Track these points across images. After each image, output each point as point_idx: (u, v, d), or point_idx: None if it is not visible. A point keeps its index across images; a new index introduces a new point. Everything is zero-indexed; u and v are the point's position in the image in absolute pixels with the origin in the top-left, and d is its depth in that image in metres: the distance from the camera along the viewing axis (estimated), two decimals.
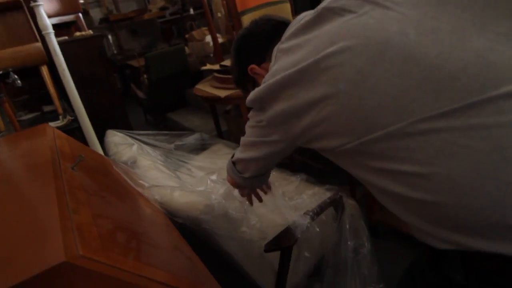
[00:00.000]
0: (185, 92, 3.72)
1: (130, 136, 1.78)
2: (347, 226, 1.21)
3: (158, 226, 0.83)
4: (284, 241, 1.08)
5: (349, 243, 1.19)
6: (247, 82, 0.88)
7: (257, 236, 1.03)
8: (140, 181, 1.09)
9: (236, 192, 1.00)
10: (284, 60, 0.64)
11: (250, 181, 0.92)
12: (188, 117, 3.45)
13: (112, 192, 0.83)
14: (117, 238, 0.55)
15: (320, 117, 0.60)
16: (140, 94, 3.82)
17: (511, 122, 0.46)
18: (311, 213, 1.17)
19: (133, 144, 1.54)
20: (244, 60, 0.84)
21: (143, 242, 0.61)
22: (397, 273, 1.50)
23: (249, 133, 0.79)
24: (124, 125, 2.03)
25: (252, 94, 0.70)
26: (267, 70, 0.69)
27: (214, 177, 1.03)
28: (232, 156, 0.94)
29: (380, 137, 0.54)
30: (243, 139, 0.83)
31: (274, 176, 1.66)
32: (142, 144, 1.63)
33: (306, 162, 2.48)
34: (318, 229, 1.23)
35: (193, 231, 1.00)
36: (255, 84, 0.85)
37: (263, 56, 0.80)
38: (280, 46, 0.67)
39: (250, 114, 0.77)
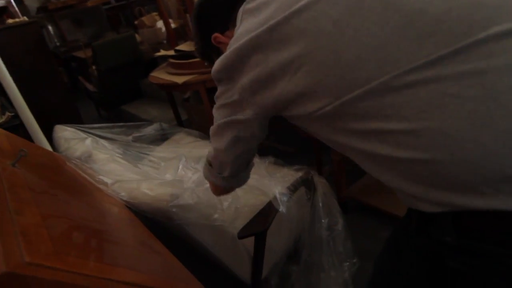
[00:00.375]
0: (139, 83, 3.53)
1: (82, 131, 1.64)
2: (320, 205, 1.20)
3: (121, 222, 0.76)
4: (257, 226, 1.05)
5: (323, 221, 1.18)
6: (211, 52, 0.81)
7: (230, 221, 0.98)
8: (100, 178, 0.99)
9: None
10: (250, 21, 0.58)
11: (231, 181, 0.82)
12: (145, 109, 3.28)
13: (66, 190, 0.74)
14: (73, 239, 0.47)
15: (295, 80, 0.54)
16: (90, 87, 3.57)
17: (505, 65, 0.43)
18: (287, 191, 1.14)
19: (86, 138, 1.41)
20: (205, 28, 0.77)
21: (105, 241, 0.54)
22: (369, 247, 1.53)
23: (219, 116, 0.70)
24: (75, 121, 1.87)
25: (217, 64, 0.63)
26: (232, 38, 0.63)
27: (183, 161, 0.95)
28: (208, 156, 0.84)
29: (362, 95, 0.50)
30: (212, 128, 0.74)
31: None
32: (96, 138, 1.50)
33: (271, 146, 2.46)
34: (293, 209, 1.20)
35: (164, 226, 0.93)
36: (220, 54, 0.79)
37: (227, 23, 0.74)
38: (245, 6, 0.60)
39: (218, 93, 0.69)
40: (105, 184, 0.94)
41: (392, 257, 0.65)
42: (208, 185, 0.88)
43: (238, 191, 1.04)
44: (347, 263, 1.21)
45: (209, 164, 0.82)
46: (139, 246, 0.66)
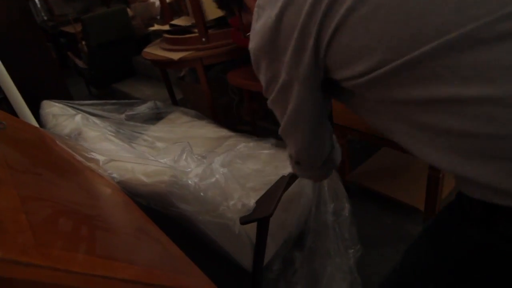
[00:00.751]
0: (132, 60, 3.39)
1: (71, 107, 1.54)
2: (326, 189, 1.13)
3: (115, 205, 0.68)
4: (261, 212, 0.98)
5: (328, 205, 1.11)
6: (232, 1, 0.72)
7: (236, 219, 0.91)
8: (92, 155, 0.91)
9: (215, 165, 0.87)
10: None
11: (328, 166, 0.80)
12: (138, 87, 3.16)
13: (53, 169, 0.65)
14: (59, 226, 0.39)
15: (346, 29, 0.44)
16: (80, 63, 3.42)
17: None
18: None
19: (76, 114, 1.31)
20: None
21: (97, 228, 0.46)
22: (371, 233, 1.48)
23: (281, 111, 0.64)
24: (64, 98, 1.76)
25: (258, 37, 0.54)
26: None
27: (188, 150, 0.86)
28: (291, 157, 0.79)
29: (433, 51, 0.39)
30: (282, 129, 0.69)
31: (243, 145, 1.53)
32: (87, 115, 1.40)
33: (268, 128, 2.38)
34: (297, 194, 1.14)
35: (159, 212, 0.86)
36: (243, 7, 0.70)
37: None
38: None
39: (265, 81, 0.62)
40: (97, 162, 0.86)
41: (437, 248, 0.56)
42: (213, 179, 0.80)
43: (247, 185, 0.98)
44: (352, 250, 1.16)
45: (297, 163, 0.78)
46: (136, 233, 0.58)
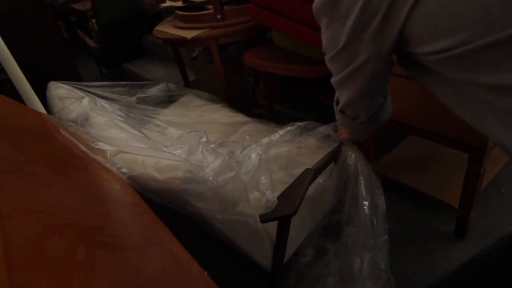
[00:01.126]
0: (143, 39, 3.27)
1: (79, 89, 1.45)
2: (361, 179, 1.03)
3: (123, 209, 0.59)
4: (283, 209, 0.89)
5: (365, 202, 1.02)
6: None
7: (256, 216, 0.82)
8: (98, 145, 0.82)
9: (234, 161, 0.78)
10: None
11: (371, 123, 0.84)
12: (149, 68, 3.05)
13: (50, 165, 0.57)
14: (48, 250, 0.31)
15: (422, 9, 0.41)
16: (90, 42, 3.32)
17: None
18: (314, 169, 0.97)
19: (84, 97, 1.22)
20: None
21: (98, 247, 0.38)
22: (398, 229, 1.38)
23: (336, 67, 0.67)
24: (73, 79, 1.67)
25: None
26: None
27: (203, 142, 0.77)
28: (337, 104, 0.86)
29: None
30: (334, 81, 0.73)
31: (260, 130, 1.43)
32: (95, 98, 1.31)
33: (285, 112, 2.26)
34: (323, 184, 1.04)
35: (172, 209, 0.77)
36: None
37: None
38: None
39: (325, 40, 0.64)
40: (104, 154, 0.77)
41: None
42: (233, 173, 0.71)
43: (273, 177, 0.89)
44: (384, 246, 1.07)
45: (342, 112, 0.84)
46: (147, 245, 0.50)
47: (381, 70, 0.61)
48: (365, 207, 1.04)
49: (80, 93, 1.39)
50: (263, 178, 0.86)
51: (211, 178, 0.71)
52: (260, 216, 0.86)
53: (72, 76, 2.09)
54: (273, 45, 1.77)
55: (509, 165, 1.50)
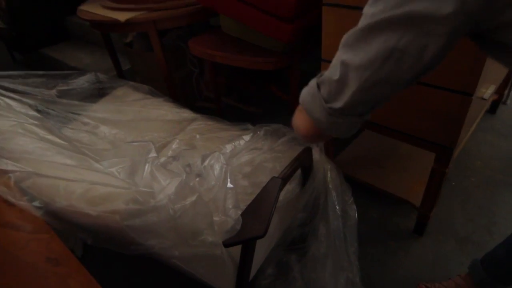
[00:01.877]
0: (65, 20, 2.84)
1: None
2: (330, 186, 0.93)
3: (32, 277, 0.40)
4: (252, 230, 0.75)
5: (337, 207, 0.92)
6: None
7: (221, 237, 0.67)
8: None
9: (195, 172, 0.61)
10: None
11: (338, 120, 0.53)
12: (73, 53, 2.66)
13: None
14: None
15: None
16: None
17: None
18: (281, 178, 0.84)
19: None
20: None
21: None
22: (359, 229, 1.33)
23: (376, 9, 0.42)
24: None
25: None
26: None
27: (152, 154, 0.58)
28: (319, 76, 0.56)
29: None
30: (356, 32, 0.46)
31: (211, 128, 1.26)
32: None
33: (234, 105, 2.11)
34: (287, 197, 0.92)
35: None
36: None
37: None
38: None
39: None
40: (7, 180, 0.55)
41: None
42: (194, 197, 0.54)
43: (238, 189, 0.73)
44: (355, 258, 0.99)
45: (317, 86, 0.55)
46: None
47: (433, 51, 0.41)
48: (336, 219, 0.95)
49: None
50: (229, 194, 0.70)
51: (166, 206, 0.54)
52: (224, 241, 0.71)
53: None
54: (221, 32, 1.59)
55: (457, 159, 1.54)
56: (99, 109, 1.40)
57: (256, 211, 0.80)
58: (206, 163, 0.71)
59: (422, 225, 1.24)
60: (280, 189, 0.84)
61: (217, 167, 0.71)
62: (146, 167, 0.56)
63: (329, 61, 1.12)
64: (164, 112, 1.39)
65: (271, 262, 1.07)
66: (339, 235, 0.99)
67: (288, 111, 1.57)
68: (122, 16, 1.57)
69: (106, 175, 0.57)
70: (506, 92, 1.79)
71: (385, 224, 1.34)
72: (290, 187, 0.95)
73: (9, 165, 0.60)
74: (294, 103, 1.51)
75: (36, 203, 0.52)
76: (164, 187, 0.54)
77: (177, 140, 1.25)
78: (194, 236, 0.60)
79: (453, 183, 1.47)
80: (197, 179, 0.65)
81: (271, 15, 1.18)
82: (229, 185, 0.71)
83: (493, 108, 1.81)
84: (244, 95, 2.20)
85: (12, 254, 0.42)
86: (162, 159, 0.65)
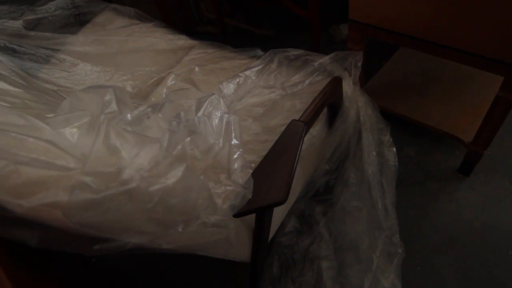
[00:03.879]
0: None
1: None
2: (368, 130, 0.72)
3: None
4: (265, 194, 0.57)
5: (373, 152, 0.72)
6: None
7: (228, 211, 0.49)
8: None
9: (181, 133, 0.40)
10: None
11: None
12: None
13: None
14: None
15: None
16: None
17: None
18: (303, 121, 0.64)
19: None
20: None
21: None
22: (400, 170, 1.14)
23: None
24: None
25: None
26: None
27: (112, 106, 0.38)
28: None
29: None
30: None
31: (213, 57, 1.02)
32: None
33: (240, 27, 1.80)
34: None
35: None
36: None
37: None
38: None
39: None
40: None
41: None
42: (181, 171, 0.35)
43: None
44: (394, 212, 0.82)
45: None
46: None
47: None
48: (371, 166, 0.75)
49: None
50: (235, 155, 0.51)
51: (136, 189, 0.35)
52: (234, 214, 0.53)
53: None
54: None
55: None
56: (77, 41, 1.16)
57: (273, 168, 0.61)
58: (200, 112, 0.51)
59: (471, 164, 1.04)
60: (303, 136, 0.64)
61: (216, 117, 0.51)
62: (101, 130, 0.36)
63: None
64: (156, 40, 1.14)
65: (291, 215, 0.92)
66: (375, 184, 0.82)
67: (307, 30, 1.27)
68: None
69: (49, 144, 0.37)
70: None
71: (424, 163, 1.14)
72: (315, 130, 0.75)
73: None
74: (314, 20, 1.22)
75: None
76: (131, 160, 0.35)
77: (173, 75, 1.03)
78: (189, 221, 0.42)
79: None
80: (188, 138, 0.45)
81: None
82: (234, 141, 0.51)
83: None
84: (252, 15, 1.88)
85: None
86: (137, 110, 0.45)
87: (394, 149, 0.83)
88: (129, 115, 0.42)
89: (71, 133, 0.42)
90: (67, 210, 0.32)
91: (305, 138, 0.72)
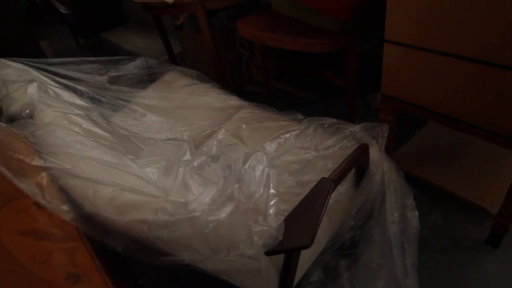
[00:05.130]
0: (121, 4, 2.91)
1: (36, 68, 1.17)
2: (391, 189, 0.81)
3: None
4: (294, 238, 0.67)
5: (395, 213, 0.80)
6: None
7: (262, 247, 0.60)
8: (35, 162, 0.57)
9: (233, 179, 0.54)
10: None
11: None
12: (129, 37, 2.72)
13: None
14: None
15: None
16: (62, 8, 2.94)
17: None
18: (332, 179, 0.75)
19: (32, 81, 0.95)
20: None
21: None
22: (421, 234, 1.19)
23: None
24: (34, 55, 1.36)
25: None
26: None
27: (187, 157, 0.53)
28: None
29: None
30: None
31: (259, 117, 1.18)
32: (49, 81, 1.04)
33: (285, 90, 2.00)
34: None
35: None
36: None
37: None
38: None
39: None
40: (40, 180, 0.53)
41: None
42: (231, 208, 0.48)
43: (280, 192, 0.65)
44: (414, 273, 0.87)
45: None
46: None
47: None
48: (393, 226, 0.83)
49: (36, 74, 1.11)
50: (271, 202, 0.63)
51: (198, 218, 0.48)
52: (265, 252, 0.64)
53: (33, 51, 1.78)
54: (272, 12, 1.48)
55: None
56: (147, 95, 1.39)
57: (302, 217, 0.71)
58: (247, 165, 0.64)
59: (499, 237, 1.06)
60: (331, 193, 0.75)
61: (259, 169, 0.64)
62: (179, 172, 0.50)
63: (394, 42, 0.97)
64: (211, 99, 1.34)
65: (317, 266, 0.99)
66: (397, 244, 0.88)
67: (345, 98, 1.43)
68: None
69: (138, 178, 0.52)
70: None
71: (452, 231, 1.18)
72: (343, 188, 0.85)
73: (47, 161, 0.58)
74: (351, 90, 1.37)
75: (65, 207, 0.49)
76: (198, 196, 0.48)
77: (223, 130, 1.20)
78: (231, 249, 0.54)
79: None
80: (237, 185, 0.58)
81: None
82: (272, 190, 0.63)
83: None
84: (296, 79, 2.09)
85: (29, 270, 0.39)
86: (201, 159, 0.59)
87: (417, 213, 0.89)
88: (195, 163, 0.56)
89: (152, 172, 0.57)
90: (151, 226, 0.45)
91: (333, 194, 0.83)
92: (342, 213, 0.89)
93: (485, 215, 1.11)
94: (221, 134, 1.18)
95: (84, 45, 3.34)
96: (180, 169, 0.50)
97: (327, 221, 0.86)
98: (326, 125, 0.89)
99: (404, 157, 1.31)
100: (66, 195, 0.52)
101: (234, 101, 1.32)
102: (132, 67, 1.48)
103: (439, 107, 0.98)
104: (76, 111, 0.86)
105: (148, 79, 1.52)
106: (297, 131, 0.91)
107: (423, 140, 1.37)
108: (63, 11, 2.93)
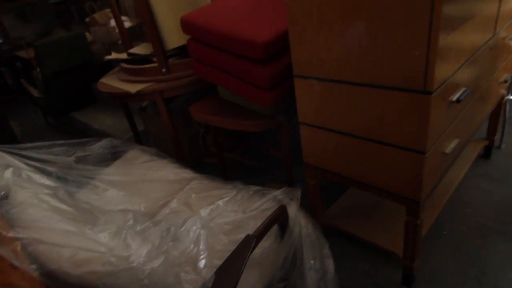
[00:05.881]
0: (91, 87, 3.19)
1: (9, 153, 1.35)
2: (308, 246, 1.01)
3: None
4: (221, 286, 0.84)
5: (312, 262, 0.99)
6: None
7: None
8: (11, 234, 0.74)
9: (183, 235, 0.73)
10: None
11: None
12: (98, 117, 2.96)
13: None
14: None
15: None
16: (34, 92, 3.18)
17: None
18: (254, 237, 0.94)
19: (8, 167, 1.13)
20: None
21: None
22: (349, 282, 1.37)
23: None
24: (4, 137, 1.54)
25: None
26: None
27: (130, 223, 0.72)
28: None
29: None
30: None
31: (206, 187, 1.39)
32: (23, 165, 1.22)
33: (236, 160, 2.25)
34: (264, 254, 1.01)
35: None
36: None
37: None
38: None
39: None
40: (15, 245, 0.70)
41: None
42: (161, 260, 0.66)
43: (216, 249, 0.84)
44: None
45: None
46: None
47: None
48: (311, 274, 1.02)
49: (10, 159, 1.29)
50: (201, 256, 0.81)
51: (135, 268, 0.66)
52: None
53: (3, 134, 1.96)
54: (219, 97, 1.78)
55: (448, 207, 1.57)
56: (110, 172, 1.58)
57: (229, 268, 0.89)
58: (183, 228, 0.84)
59: (409, 277, 1.27)
60: (253, 246, 0.94)
61: (192, 230, 0.83)
62: (123, 234, 0.69)
63: (305, 123, 1.24)
64: (166, 173, 1.55)
65: None
66: None
67: (281, 165, 1.68)
68: (132, 88, 1.80)
69: (93, 241, 0.70)
70: (497, 137, 1.84)
71: (375, 276, 1.37)
72: (267, 243, 1.05)
73: (20, 233, 0.75)
74: (286, 159, 1.64)
75: (34, 266, 0.66)
76: (135, 251, 0.67)
77: (176, 199, 1.39)
78: None
79: (445, 232, 1.49)
80: (171, 243, 0.77)
81: (252, 85, 1.35)
82: (201, 246, 0.82)
83: (487, 153, 1.85)
84: (247, 150, 2.36)
85: None
86: (145, 224, 0.78)
87: (332, 261, 1.08)
88: (138, 227, 0.75)
89: (104, 236, 0.75)
90: (99, 275, 0.63)
91: (260, 249, 1.02)
92: (271, 265, 1.08)
93: (400, 260, 1.32)
94: (173, 203, 1.36)
95: (54, 124, 3.54)
96: (123, 231, 0.69)
97: (258, 273, 1.04)
98: (251, 192, 1.11)
99: (333, 216, 1.54)
100: (35, 257, 0.69)
101: (186, 173, 1.53)
102: (97, 147, 1.69)
103: (351, 174, 1.23)
104: (45, 190, 1.03)
105: (112, 157, 1.72)
106: (227, 198, 1.12)
107: (349, 198, 1.62)
108: (35, 94, 3.17)
